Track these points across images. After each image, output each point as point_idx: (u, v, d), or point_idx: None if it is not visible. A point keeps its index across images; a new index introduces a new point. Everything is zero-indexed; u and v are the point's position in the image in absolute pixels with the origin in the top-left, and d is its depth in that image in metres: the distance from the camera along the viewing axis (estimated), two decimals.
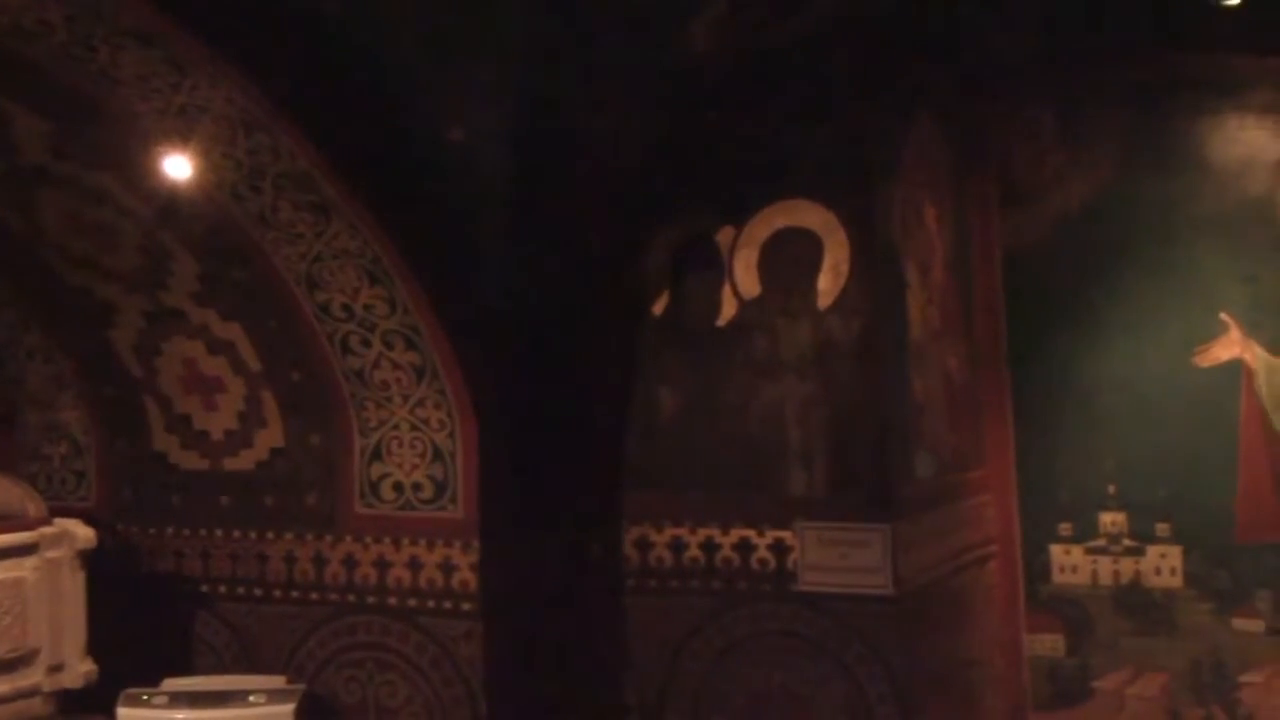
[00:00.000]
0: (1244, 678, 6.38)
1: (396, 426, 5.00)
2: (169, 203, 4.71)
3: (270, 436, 5.29)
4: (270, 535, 5.28)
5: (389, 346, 4.84)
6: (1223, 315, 6.51)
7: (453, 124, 4.78)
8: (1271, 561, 6.42)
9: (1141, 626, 6.61)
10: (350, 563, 5.11)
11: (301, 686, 4.91)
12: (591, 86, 4.97)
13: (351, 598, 5.11)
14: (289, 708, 4.75)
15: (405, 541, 5.01)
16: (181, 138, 4.34)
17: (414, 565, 4.98)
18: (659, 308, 5.77)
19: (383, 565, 5.05)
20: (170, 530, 5.53)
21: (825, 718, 5.37)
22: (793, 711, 5.42)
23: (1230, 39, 6.19)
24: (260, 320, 5.08)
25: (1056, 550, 6.78)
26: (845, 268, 5.43)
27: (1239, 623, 6.44)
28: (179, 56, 4.01)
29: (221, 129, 4.29)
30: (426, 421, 4.94)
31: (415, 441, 4.98)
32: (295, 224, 4.61)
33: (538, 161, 4.93)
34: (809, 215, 5.50)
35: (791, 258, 5.53)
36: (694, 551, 5.60)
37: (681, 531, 5.62)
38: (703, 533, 5.59)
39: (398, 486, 5.02)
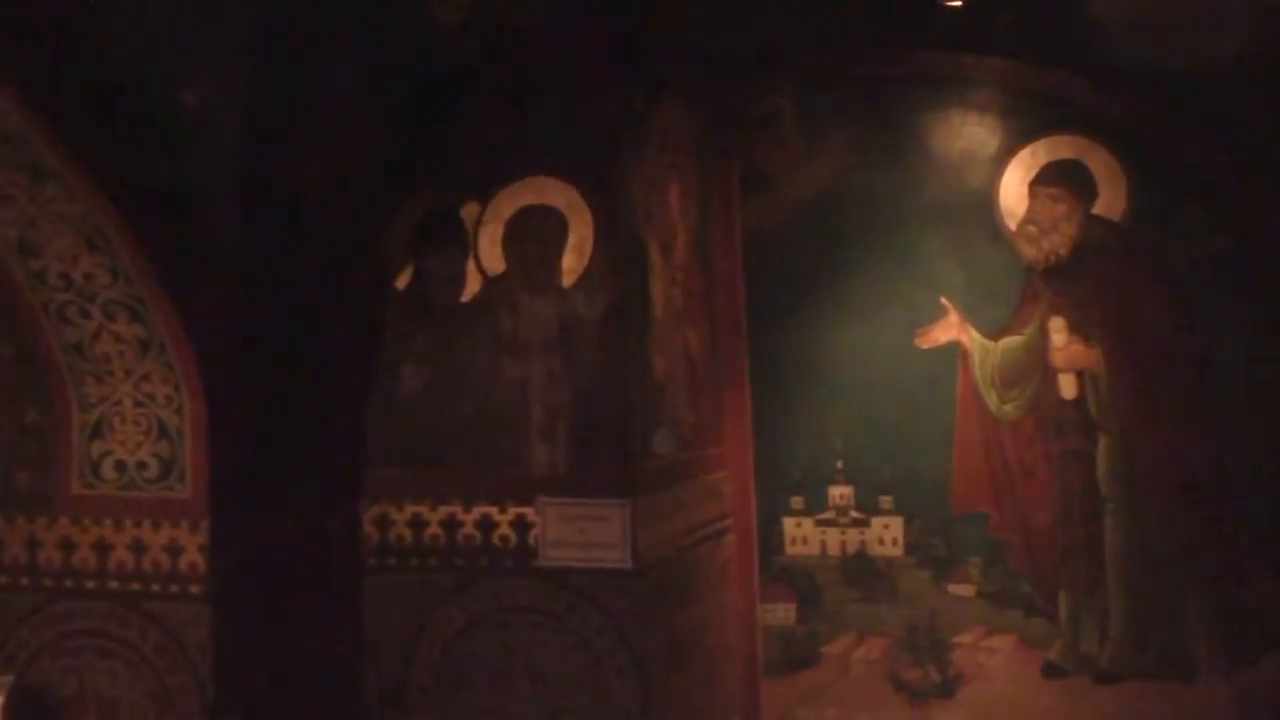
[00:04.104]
0: (956, 639, 6.84)
1: (119, 402, 4.76)
2: None
3: None
4: None
5: (110, 318, 4.59)
6: (943, 299, 6.91)
7: (183, 86, 4.56)
8: (983, 530, 6.89)
9: (866, 594, 6.99)
10: (67, 545, 4.83)
11: (9, 678, 4.63)
12: (334, 54, 4.83)
13: (68, 582, 4.83)
14: None
15: (128, 523, 4.77)
16: None
17: (137, 547, 4.76)
18: (402, 282, 5.69)
19: (103, 548, 4.80)
20: None
21: (566, 691, 5.43)
22: (534, 686, 5.46)
23: (954, 38, 6.55)
24: None
25: (789, 523, 7.08)
26: (589, 246, 5.49)
27: (953, 588, 6.89)
28: None
29: None
30: (152, 397, 4.72)
31: (140, 418, 4.75)
32: (6, 186, 4.31)
33: (275, 129, 4.76)
34: (554, 193, 5.53)
35: (536, 235, 5.55)
36: (435, 529, 5.56)
37: (422, 509, 5.57)
38: (444, 510, 5.56)
39: (120, 465, 4.78)
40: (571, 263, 5.51)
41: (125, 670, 4.74)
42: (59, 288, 4.57)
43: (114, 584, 4.78)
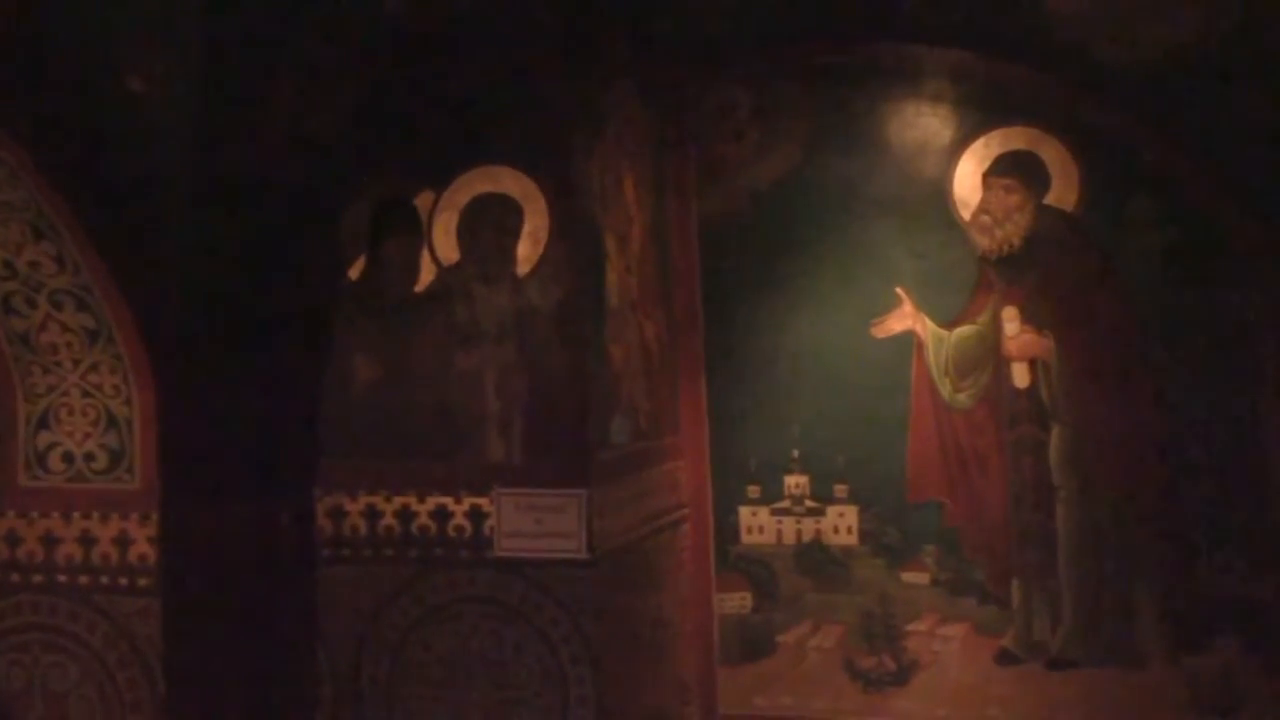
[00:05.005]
0: (910, 626, 6.88)
1: (66, 393, 4.69)
2: None
3: None
4: None
5: (57, 307, 4.52)
6: (898, 289, 6.94)
7: (132, 70, 4.49)
8: (937, 519, 6.93)
9: (821, 583, 7.02)
10: (13, 539, 4.75)
11: None
12: (284, 42, 4.78)
13: (15, 576, 4.75)
14: None
15: (76, 515, 4.70)
16: None
17: (86, 540, 4.69)
18: (355, 272, 5.66)
19: (51, 541, 4.72)
20: None
21: (520, 681, 5.42)
22: (489, 676, 5.45)
23: (909, 29, 6.57)
24: None
25: (745, 512, 7.09)
26: (544, 235, 5.47)
27: (908, 576, 6.93)
28: None
29: None
30: (100, 387, 4.65)
31: (88, 409, 4.68)
32: None
33: (225, 115, 4.70)
34: (509, 182, 5.51)
35: (491, 224, 5.52)
36: (389, 520, 5.54)
37: (377, 499, 5.55)
38: (399, 501, 5.53)
39: (68, 457, 4.71)
40: (526, 252, 5.49)
41: (74, 664, 4.67)
42: (4, 276, 4.49)
43: (62, 577, 4.71)
